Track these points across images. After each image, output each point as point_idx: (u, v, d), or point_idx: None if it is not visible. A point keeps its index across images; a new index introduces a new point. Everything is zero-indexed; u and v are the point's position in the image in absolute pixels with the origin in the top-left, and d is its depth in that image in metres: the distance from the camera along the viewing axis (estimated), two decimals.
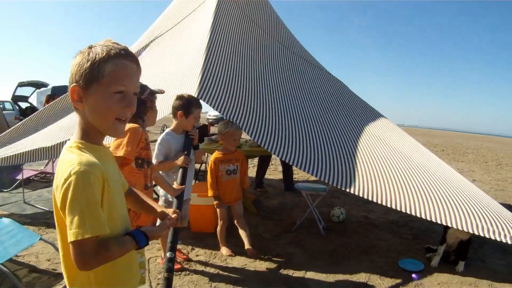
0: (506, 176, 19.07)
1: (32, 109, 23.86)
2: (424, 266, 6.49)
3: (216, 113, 33.87)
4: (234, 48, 8.10)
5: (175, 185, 4.97)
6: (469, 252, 6.66)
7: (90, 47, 2.02)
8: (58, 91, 21.61)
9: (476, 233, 5.54)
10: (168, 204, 5.49)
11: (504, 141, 76.80)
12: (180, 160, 5.18)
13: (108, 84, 1.99)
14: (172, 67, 8.04)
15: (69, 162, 1.92)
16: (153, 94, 4.53)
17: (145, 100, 4.37)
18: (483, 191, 7.08)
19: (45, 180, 11.40)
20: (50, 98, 21.32)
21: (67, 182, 1.85)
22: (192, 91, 6.08)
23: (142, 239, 2.18)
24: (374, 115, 9.12)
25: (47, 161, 11.34)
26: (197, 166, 12.00)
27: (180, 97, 5.50)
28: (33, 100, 26.53)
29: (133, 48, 9.80)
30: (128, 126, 4.30)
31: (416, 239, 7.89)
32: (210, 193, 6.54)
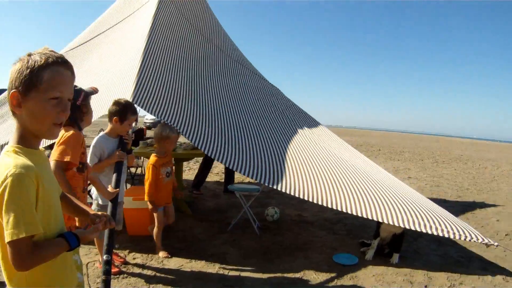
0: (441, 173, 19.60)
1: None
2: (358, 260, 6.59)
3: (153, 116, 33.71)
4: (171, 52, 8.12)
5: (110, 189, 4.96)
6: (404, 244, 6.83)
7: (29, 55, 2.08)
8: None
9: (407, 227, 5.70)
10: (101, 208, 5.41)
11: (439, 140, 78.66)
12: (115, 156, 5.21)
13: (46, 90, 2.05)
14: (112, 67, 7.97)
15: (6, 165, 1.96)
16: (87, 97, 4.50)
17: (80, 106, 4.37)
18: (419, 187, 7.24)
19: None
20: None
21: (3, 184, 1.90)
22: (128, 95, 6.04)
23: (73, 240, 2.20)
24: (306, 118, 9.27)
25: None
26: (133, 170, 11.91)
27: (116, 103, 5.45)
28: None
29: (72, 45, 9.74)
30: (70, 132, 4.37)
31: (350, 235, 8.01)
32: (147, 197, 6.44)
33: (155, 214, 6.53)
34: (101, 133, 5.59)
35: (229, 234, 7.63)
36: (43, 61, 2.04)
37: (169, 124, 6.35)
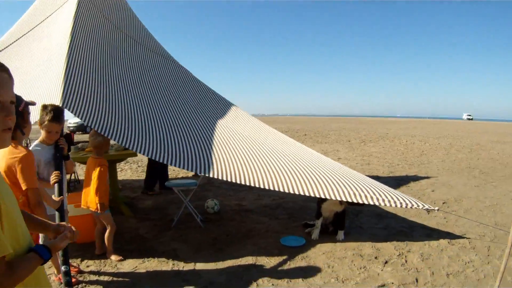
0: (370, 151, 20.12)
1: None
2: (306, 241, 6.75)
3: (77, 120, 33.06)
4: (94, 52, 7.98)
5: (54, 197, 4.83)
6: (347, 221, 7.06)
7: None
8: None
9: (349, 200, 5.82)
10: (49, 217, 5.30)
11: (364, 121, 79.97)
12: (52, 180, 5.02)
13: None
14: (36, 72, 7.73)
15: None
16: (28, 105, 4.44)
17: (22, 112, 4.24)
18: (351, 167, 7.44)
19: None
20: None
21: None
22: (56, 100, 5.93)
23: (45, 252, 2.14)
24: (228, 106, 9.29)
25: None
26: (68, 176, 11.64)
27: (44, 108, 5.21)
28: None
29: None
30: (23, 153, 4.33)
31: (292, 218, 8.20)
32: (103, 200, 6.33)
33: (108, 217, 6.49)
34: (35, 142, 5.41)
35: (174, 231, 7.64)
36: None
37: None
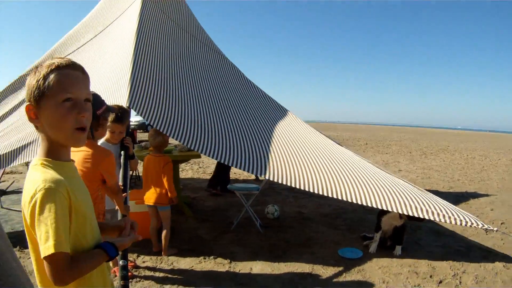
0: (431, 165, 19.76)
1: None
2: (363, 254, 6.72)
3: (138, 118, 33.27)
4: (159, 54, 8.07)
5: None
6: (405, 236, 6.93)
7: (37, 67, 2.04)
8: None
9: (410, 213, 5.74)
10: (106, 212, 5.38)
11: (425, 132, 78.86)
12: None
13: (55, 94, 1.98)
14: (103, 72, 7.87)
15: (34, 181, 1.93)
16: (108, 111, 4.54)
17: (99, 116, 4.29)
18: (411, 180, 7.38)
19: None
20: None
21: (33, 200, 1.87)
22: (123, 101, 6.03)
23: (112, 250, 2.17)
24: (284, 111, 9.27)
25: None
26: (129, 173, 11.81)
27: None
28: None
29: (59, 49, 9.68)
30: (108, 154, 4.54)
31: (351, 229, 8.13)
32: (173, 194, 6.62)
33: (167, 214, 6.67)
34: (101, 141, 5.44)
35: (233, 233, 7.71)
36: (47, 68, 1.99)
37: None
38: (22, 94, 8.61)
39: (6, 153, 6.82)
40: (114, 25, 9.53)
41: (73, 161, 2.25)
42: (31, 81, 2.00)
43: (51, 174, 1.96)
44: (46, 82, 1.97)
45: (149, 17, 8.71)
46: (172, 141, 7.14)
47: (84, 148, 4.36)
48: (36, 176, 1.94)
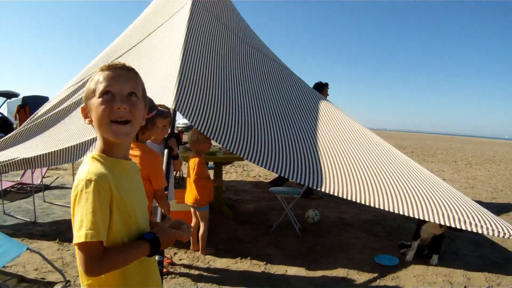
0: (475, 174, 19.47)
1: (2, 119, 23.51)
2: (399, 261, 6.70)
3: (185, 120, 33.14)
4: (207, 56, 8.12)
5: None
6: (443, 246, 6.89)
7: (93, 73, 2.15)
8: (28, 101, 21.44)
9: (452, 225, 5.65)
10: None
11: (472, 141, 77.81)
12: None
13: (95, 90, 2.06)
14: (151, 74, 7.98)
15: (81, 171, 2.01)
16: (158, 116, 4.65)
17: (147, 120, 4.34)
18: None
19: (22, 191, 11.28)
20: (21, 108, 21.25)
21: (76, 189, 1.94)
22: (169, 102, 6.11)
23: (155, 240, 2.13)
24: (339, 114, 9.17)
25: (22, 171, 11.26)
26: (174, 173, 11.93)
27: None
28: (4, 110, 26.04)
29: (110, 54, 9.83)
30: (154, 154, 4.75)
31: (390, 236, 8.10)
32: (205, 196, 6.72)
33: (204, 214, 6.73)
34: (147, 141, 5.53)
35: (271, 236, 7.76)
36: (96, 71, 2.12)
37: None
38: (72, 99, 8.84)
39: (55, 151, 7.01)
40: (163, 28, 9.63)
41: (130, 160, 2.32)
42: (87, 85, 2.12)
43: (96, 167, 2.02)
44: (93, 83, 2.08)
45: (198, 20, 8.75)
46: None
47: (132, 149, 4.46)
48: (83, 168, 2.02)
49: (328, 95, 11.54)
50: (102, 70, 2.10)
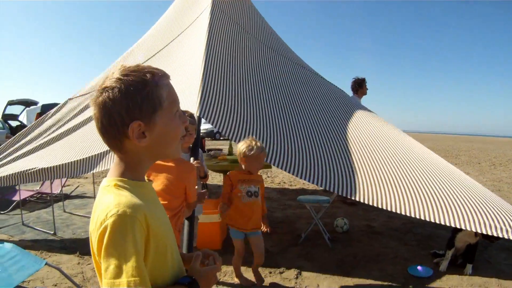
0: (500, 176, 19.25)
1: (22, 127, 23.72)
2: (433, 272, 6.58)
3: (207, 125, 33.68)
4: (229, 61, 8.14)
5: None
6: (475, 254, 6.74)
7: (120, 79, 1.76)
8: (47, 109, 21.64)
9: (489, 233, 5.51)
10: None
11: (494, 141, 77.30)
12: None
13: (170, 106, 1.86)
14: (174, 81, 7.89)
15: (106, 204, 1.68)
16: (190, 124, 4.58)
17: None
18: None
19: (42, 200, 11.37)
20: (40, 116, 21.53)
21: (103, 225, 1.61)
22: (193, 108, 6.05)
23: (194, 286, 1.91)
24: (366, 116, 9.10)
25: (42, 181, 11.16)
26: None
27: None
28: (23, 118, 26.47)
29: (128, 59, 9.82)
30: (190, 167, 4.67)
31: (421, 245, 7.97)
32: (225, 217, 5.98)
33: (234, 240, 5.98)
34: None
35: (301, 247, 7.66)
36: (152, 77, 1.81)
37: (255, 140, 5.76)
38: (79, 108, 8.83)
39: (75, 161, 6.98)
40: (184, 35, 9.61)
41: (150, 181, 2.10)
42: (131, 93, 1.75)
43: (126, 197, 1.72)
44: (159, 94, 1.82)
45: (219, 25, 8.77)
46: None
47: (167, 161, 4.39)
48: (108, 199, 1.70)
49: (367, 88, 11.47)
50: (162, 77, 1.86)
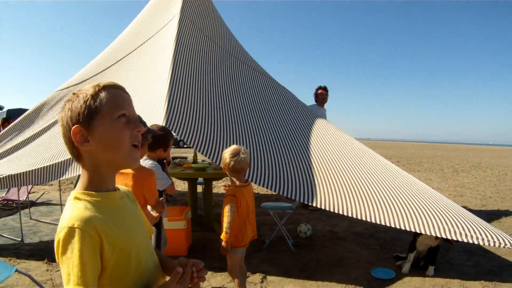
0: (463, 182, 19.54)
1: None
2: (395, 274, 6.68)
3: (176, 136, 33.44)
4: (195, 71, 8.18)
5: (153, 213, 4.78)
6: (437, 256, 6.84)
7: (75, 93, 1.93)
8: (13, 114, 21.32)
9: (448, 237, 5.67)
10: None
11: (457, 148, 78.29)
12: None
13: (110, 111, 1.87)
14: (139, 92, 7.94)
15: (63, 217, 1.79)
16: (149, 133, 4.52)
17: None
18: None
19: (8, 207, 11.26)
20: (5, 121, 21.17)
21: (57, 238, 1.72)
22: (159, 120, 6.07)
23: None
24: (325, 125, 9.22)
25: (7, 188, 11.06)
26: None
27: (160, 129, 5.16)
28: None
29: (92, 69, 9.81)
30: (149, 173, 4.61)
31: (384, 249, 8.08)
32: (225, 237, 5.06)
33: (231, 258, 5.43)
34: (148, 160, 5.14)
35: (265, 253, 7.70)
36: (95, 88, 1.88)
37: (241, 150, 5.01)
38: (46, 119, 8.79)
39: (39, 168, 6.94)
40: (149, 44, 9.63)
41: (118, 189, 2.09)
42: (75, 105, 1.86)
43: (79, 209, 1.79)
44: (98, 101, 1.86)
45: (186, 36, 8.80)
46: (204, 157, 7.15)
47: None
48: (66, 212, 1.80)
49: (327, 96, 11.83)
50: (105, 87, 1.91)
